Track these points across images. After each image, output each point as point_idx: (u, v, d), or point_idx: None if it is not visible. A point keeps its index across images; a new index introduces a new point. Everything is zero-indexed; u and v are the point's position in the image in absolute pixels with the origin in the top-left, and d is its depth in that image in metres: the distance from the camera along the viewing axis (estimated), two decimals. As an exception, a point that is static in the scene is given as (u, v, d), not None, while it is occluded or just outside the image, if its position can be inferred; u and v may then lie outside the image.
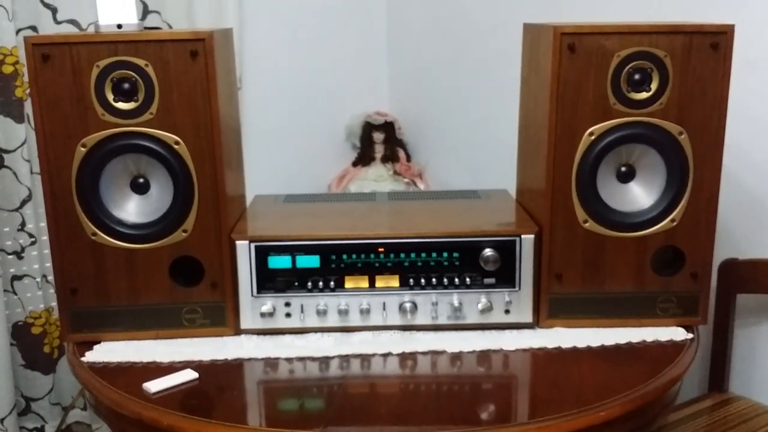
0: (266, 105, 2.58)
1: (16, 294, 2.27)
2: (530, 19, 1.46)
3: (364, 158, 2.68)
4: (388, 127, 2.66)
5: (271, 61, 2.57)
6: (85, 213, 1.30)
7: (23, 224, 2.21)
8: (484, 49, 2.37)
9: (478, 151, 2.46)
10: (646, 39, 1.27)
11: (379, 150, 2.67)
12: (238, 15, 2.43)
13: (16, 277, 2.26)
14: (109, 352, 1.32)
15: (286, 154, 2.65)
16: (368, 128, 2.67)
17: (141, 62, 1.26)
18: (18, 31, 2.14)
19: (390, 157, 2.65)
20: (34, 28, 2.16)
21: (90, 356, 1.30)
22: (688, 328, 1.37)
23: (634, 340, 1.34)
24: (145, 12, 2.28)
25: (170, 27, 2.33)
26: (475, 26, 2.40)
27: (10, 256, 2.25)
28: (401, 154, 2.67)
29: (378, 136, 2.66)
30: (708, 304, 1.38)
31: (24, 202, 2.18)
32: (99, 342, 1.35)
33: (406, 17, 2.67)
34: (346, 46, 2.69)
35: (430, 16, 2.57)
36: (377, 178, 2.60)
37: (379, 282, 1.35)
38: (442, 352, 1.31)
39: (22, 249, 2.23)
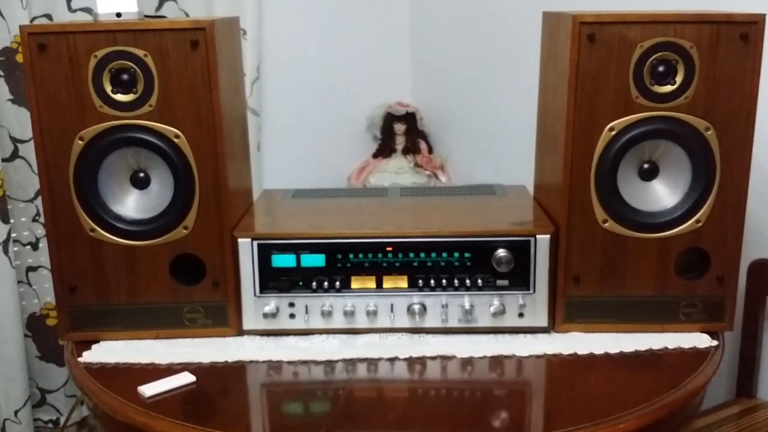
0: (286, 95, 2.53)
1: (31, 285, 2.25)
2: (554, 7, 1.38)
3: (384, 150, 2.62)
4: (410, 118, 2.60)
5: (291, 50, 2.52)
6: (83, 208, 1.26)
7: (38, 215, 2.18)
8: (508, 39, 2.30)
9: (501, 144, 2.39)
10: (671, 29, 1.19)
11: (400, 141, 2.61)
12: (257, 3, 2.38)
13: (31, 268, 2.25)
14: (107, 351, 1.28)
15: (306, 145, 2.60)
16: (389, 119, 2.60)
17: (140, 52, 1.21)
18: (32, 20, 2.11)
19: (411, 149, 2.59)
20: (48, 17, 2.13)
21: (87, 356, 1.26)
22: (712, 335, 1.30)
23: (656, 347, 1.27)
24: (162, 0, 2.24)
25: (187, 16, 2.29)
26: (499, 15, 2.33)
27: (26, 247, 2.23)
28: (423, 145, 2.61)
29: (399, 128, 2.60)
30: (734, 309, 1.31)
31: (39, 193, 2.15)
32: (98, 341, 1.31)
33: (429, 6, 2.60)
34: (368, 35, 2.63)
35: (453, 5, 2.50)
36: (398, 171, 2.54)
37: (387, 282, 1.29)
38: (452, 357, 1.25)
39: (37, 240, 2.21)
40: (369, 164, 2.61)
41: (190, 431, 1.06)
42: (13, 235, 2.16)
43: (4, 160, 2.11)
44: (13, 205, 2.17)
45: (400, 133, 2.60)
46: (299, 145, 2.58)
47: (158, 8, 2.26)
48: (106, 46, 1.21)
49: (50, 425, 2.35)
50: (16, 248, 2.19)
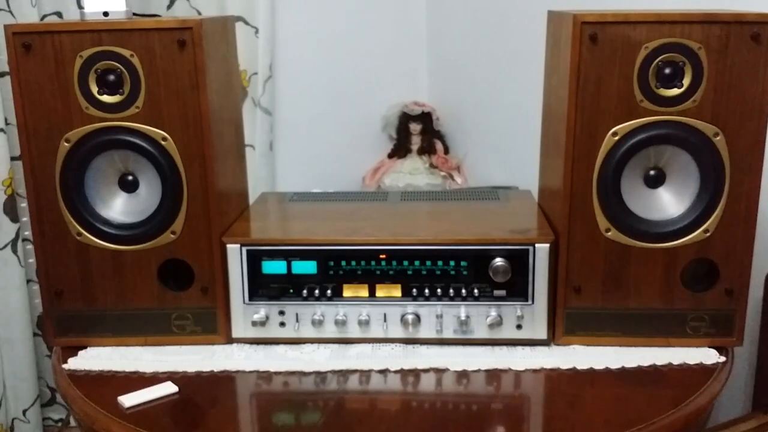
0: (299, 94, 2.50)
1: (41, 284, 2.24)
2: (572, 6, 1.32)
3: (400, 150, 2.57)
4: (426, 118, 2.55)
5: (304, 48, 2.49)
6: (70, 212, 1.23)
7: (47, 214, 2.17)
8: (527, 38, 2.23)
9: (518, 145, 2.33)
10: (677, 29, 1.13)
11: (415, 141, 2.56)
12: (270, 1, 2.35)
13: (41, 267, 2.23)
14: (93, 358, 1.25)
15: (320, 144, 2.56)
16: (405, 119, 2.56)
17: (126, 53, 1.18)
18: (43, 17, 2.10)
19: (427, 149, 2.54)
20: (59, 14, 2.12)
21: (73, 363, 1.24)
22: (721, 350, 1.24)
23: (659, 362, 1.21)
24: (173, -1, 2.22)
25: (199, 14, 2.26)
26: (518, 13, 2.27)
27: (36, 246, 2.22)
28: (438, 146, 2.56)
29: (415, 127, 2.55)
30: (744, 323, 1.24)
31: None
32: (86, 347, 1.28)
33: (446, 4, 2.55)
34: (384, 33, 2.58)
35: (471, 3, 2.45)
36: (412, 171, 2.50)
37: (380, 291, 1.25)
38: (445, 370, 1.21)
39: (47, 239, 2.19)
40: (384, 165, 2.57)
41: (168, 445, 1.03)
42: (26, 233, 2.15)
43: (13, 158, 2.10)
44: (24, 203, 2.16)
45: (416, 133, 2.56)
46: (313, 144, 2.54)
47: (169, 6, 2.24)
48: (91, 46, 1.18)
49: (59, 424, 2.35)
50: (28, 246, 2.18)
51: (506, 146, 2.39)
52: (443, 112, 2.59)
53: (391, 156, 2.58)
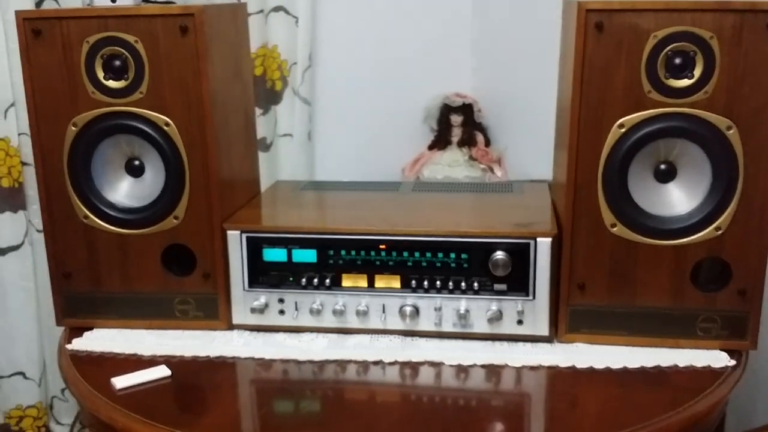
0: (339, 84, 2.49)
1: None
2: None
3: (440, 142, 2.53)
4: (467, 110, 2.51)
5: (345, 38, 2.47)
6: (77, 195, 1.25)
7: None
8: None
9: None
10: (688, 17, 1.09)
11: (456, 133, 2.52)
12: (311, -11, 2.34)
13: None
14: (97, 339, 1.27)
15: (360, 135, 2.54)
16: (446, 110, 2.52)
17: (131, 38, 1.19)
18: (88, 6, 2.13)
19: (467, 142, 2.50)
20: (102, 3, 2.16)
21: (76, 343, 1.26)
22: (732, 353, 1.18)
23: (664, 364, 1.16)
24: (215, -13, 2.23)
25: (240, 2, 2.27)
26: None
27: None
28: (479, 138, 2.51)
29: (456, 119, 2.51)
30: (758, 326, 1.19)
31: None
32: (92, 328, 1.31)
33: (490, -7, 2.51)
34: (427, 23, 2.55)
35: (516, -8, 2.41)
36: (451, 163, 2.46)
37: (379, 282, 1.23)
38: (440, 364, 1.18)
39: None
40: (423, 156, 2.54)
41: (150, 429, 1.03)
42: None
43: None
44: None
45: (457, 124, 2.51)
46: (353, 135, 2.53)
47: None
48: (98, 32, 1.19)
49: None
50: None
51: (548, 140, 2.34)
52: (486, 104, 2.54)
53: (431, 147, 2.55)
